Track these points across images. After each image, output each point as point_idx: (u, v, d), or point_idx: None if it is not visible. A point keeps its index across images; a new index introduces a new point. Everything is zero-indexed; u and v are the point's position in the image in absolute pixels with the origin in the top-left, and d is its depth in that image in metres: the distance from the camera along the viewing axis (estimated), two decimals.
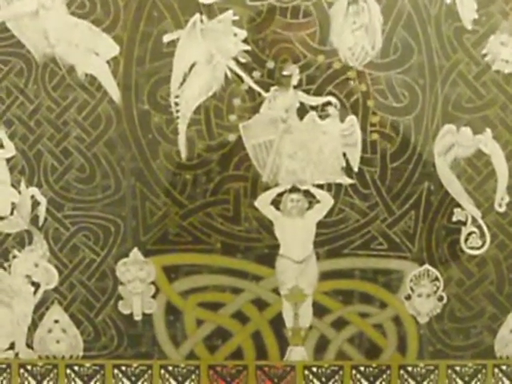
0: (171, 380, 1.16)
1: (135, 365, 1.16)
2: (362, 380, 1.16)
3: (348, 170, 1.13)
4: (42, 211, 1.14)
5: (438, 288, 1.15)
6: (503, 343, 1.16)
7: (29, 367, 1.16)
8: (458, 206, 1.14)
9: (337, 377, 1.16)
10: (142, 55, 1.12)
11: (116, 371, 1.16)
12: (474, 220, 1.14)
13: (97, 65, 1.12)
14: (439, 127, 1.13)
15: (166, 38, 1.11)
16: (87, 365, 1.16)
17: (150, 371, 1.16)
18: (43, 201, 1.14)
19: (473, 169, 1.14)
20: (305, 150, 1.13)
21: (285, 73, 1.12)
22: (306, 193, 1.13)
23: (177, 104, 1.13)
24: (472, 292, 1.15)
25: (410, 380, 1.16)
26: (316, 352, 1.16)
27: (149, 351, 1.15)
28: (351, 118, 1.13)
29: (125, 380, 1.16)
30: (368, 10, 1.11)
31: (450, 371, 1.16)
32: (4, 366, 1.15)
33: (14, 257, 1.14)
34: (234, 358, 1.16)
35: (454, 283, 1.15)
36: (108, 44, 1.12)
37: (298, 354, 1.15)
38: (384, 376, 1.16)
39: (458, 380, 1.16)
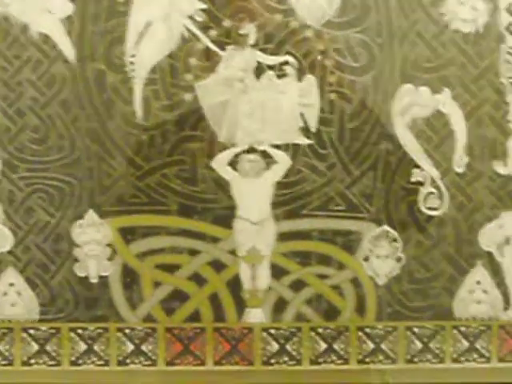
0: (128, 343, 1.15)
1: (92, 328, 1.14)
2: (321, 342, 1.15)
3: (306, 130, 1.12)
4: None
5: (396, 249, 1.14)
6: (462, 304, 1.15)
7: None
8: (417, 166, 1.13)
9: (295, 338, 1.15)
10: (97, 14, 1.10)
11: (72, 334, 1.14)
12: (433, 180, 1.13)
13: (51, 24, 1.10)
14: (397, 87, 1.12)
15: None
16: (43, 328, 1.14)
17: (106, 334, 1.14)
18: None
19: (431, 129, 1.13)
20: (262, 110, 1.12)
21: (242, 32, 1.11)
22: (264, 153, 1.12)
23: (132, 63, 1.11)
24: (430, 253, 1.15)
25: (368, 341, 1.15)
26: (274, 314, 1.15)
27: (105, 314, 1.14)
28: (309, 78, 1.12)
29: (81, 343, 1.15)
30: None
31: (408, 332, 1.16)
32: None
33: None
34: (192, 320, 1.15)
35: (413, 244, 1.14)
36: (62, 2, 1.10)
37: (255, 315, 1.15)
38: (342, 337, 1.15)
39: (417, 341, 1.16)
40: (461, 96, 1.13)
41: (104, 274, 1.14)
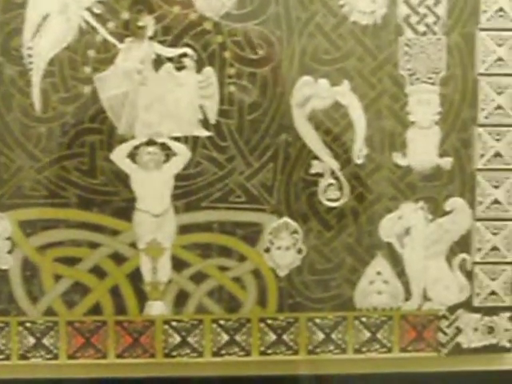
0: (29, 337, 1.14)
1: None
2: (223, 333, 1.16)
3: (205, 122, 1.12)
4: None
5: (297, 240, 1.15)
6: (363, 295, 1.16)
7: None
8: (316, 158, 1.14)
9: (197, 331, 1.15)
10: None
11: None
12: (333, 172, 1.14)
13: None
14: (296, 79, 1.12)
15: None
16: None
17: (7, 328, 1.14)
18: None
19: (330, 120, 1.13)
20: (161, 102, 1.12)
21: (140, 24, 1.11)
22: (163, 145, 1.12)
23: (30, 56, 1.10)
24: (331, 244, 1.15)
25: (270, 333, 1.16)
26: (175, 306, 1.15)
27: (5, 308, 1.13)
28: (208, 70, 1.12)
29: None
30: None
31: (310, 323, 1.16)
32: None
33: None
34: (93, 313, 1.14)
35: (313, 235, 1.15)
36: None
37: (157, 308, 1.14)
38: (244, 329, 1.16)
39: (319, 332, 1.16)
40: (360, 88, 1.13)
41: (4, 267, 1.13)
